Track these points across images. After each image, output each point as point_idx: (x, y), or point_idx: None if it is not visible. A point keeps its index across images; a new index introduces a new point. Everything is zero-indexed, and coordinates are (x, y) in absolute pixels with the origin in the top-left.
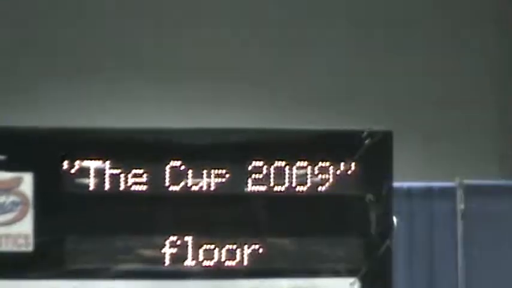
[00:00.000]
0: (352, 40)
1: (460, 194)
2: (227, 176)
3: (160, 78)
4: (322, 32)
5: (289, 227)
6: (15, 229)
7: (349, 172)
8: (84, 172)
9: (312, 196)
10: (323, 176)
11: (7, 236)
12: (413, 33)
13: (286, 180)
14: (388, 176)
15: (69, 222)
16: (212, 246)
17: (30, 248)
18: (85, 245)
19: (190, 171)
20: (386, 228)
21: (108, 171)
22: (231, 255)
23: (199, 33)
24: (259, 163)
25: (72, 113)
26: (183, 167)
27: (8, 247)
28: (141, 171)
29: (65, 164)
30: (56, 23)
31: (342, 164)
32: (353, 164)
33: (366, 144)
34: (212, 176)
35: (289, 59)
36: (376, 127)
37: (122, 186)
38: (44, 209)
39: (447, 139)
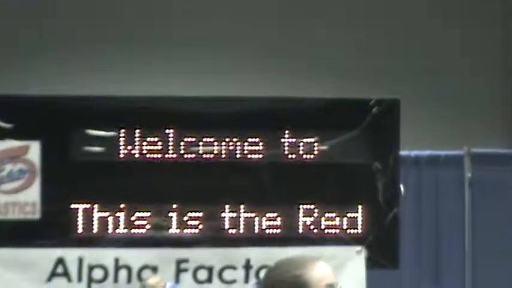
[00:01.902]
0: (358, 9)
1: (467, 162)
2: (237, 144)
3: (170, 49)
4: (329, 4)
5: (296, 195)
6: (22, 197)
7: (357, 140)
8: (91, 140)
9: (319, 164)
10: (330, 145)
11: (14, 203)
12: (419, 1)
13: (294, 148)
14: (396, 144)
15: (76, 191)
16: (221, 214)
17: (37, 215)
18: (91, 213)
19: (203, 140)
20: (393, 196)
21: (115, 139)
22: (238, 223)
23: (212, 2)
24: (267, 132)
25: (79, 82)
26: (196, 136)
27: (15, 215)
28: (153, 139)
29: (73, 132)
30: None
31: (349, 132)
32: (360, 133)
33: (373, 112)
34: (224, 144)
35: (291, 30)
36: (384, 95)
37: (129, 154)
38: (51, 177)
39: (455, 108)
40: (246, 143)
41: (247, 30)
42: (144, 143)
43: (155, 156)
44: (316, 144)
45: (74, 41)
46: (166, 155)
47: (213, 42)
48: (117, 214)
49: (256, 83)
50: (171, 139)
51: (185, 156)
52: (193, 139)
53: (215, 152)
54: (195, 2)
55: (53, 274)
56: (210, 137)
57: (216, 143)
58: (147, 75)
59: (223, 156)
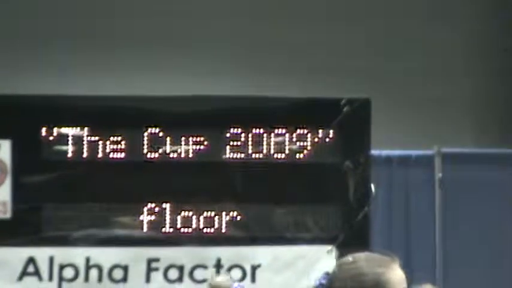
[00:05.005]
0: (337, 11)
1: (437, 161)
2: (205, 143)
3: (146, 48)
4: (303, 5)
5: (267, 194)
6: None
7: (328, 140)
8: (62, 139)
9: (290, 164)
10: (301, 144)
11: None
12: (394, 2)
13: (264, 147)
14: (367, 144)
15: (47, 190)
16: (190, 214)
17: (8, 215)
18: (63, 213)
19: (168, 139)
20: (364, 196)
21: (86, 139)
22: (209, 222)
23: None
24: (237, 130)
25: (50, 81)
26: (161, 134)
27: None
28: (119, 138)
29: (43, 131)
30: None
31: (320, 131)
32: (331, 132)
33: (345, 112)
34: (190, 143)
35: (268, 29)
36: (355, 95)
37: (100, 154)
38: (22, 176)
39: (426, 108)
40: (219, 143)
41: (226, 31)
42: (109, 142)
43: (126, 155)
44: (287, 143)
45: (72, 40)
46: (138, 155)
47: (192, 42)
48: (88, 213)
49: (232, 82)
50: (145, 139)
51: (151, 155)
52: (163, 138)
53: (183, 151)
54: (174, 3)
55: (24, 273)
56: (179, 137)
57: (185, 142)
58: (121, 75)
59: (191, 156)
